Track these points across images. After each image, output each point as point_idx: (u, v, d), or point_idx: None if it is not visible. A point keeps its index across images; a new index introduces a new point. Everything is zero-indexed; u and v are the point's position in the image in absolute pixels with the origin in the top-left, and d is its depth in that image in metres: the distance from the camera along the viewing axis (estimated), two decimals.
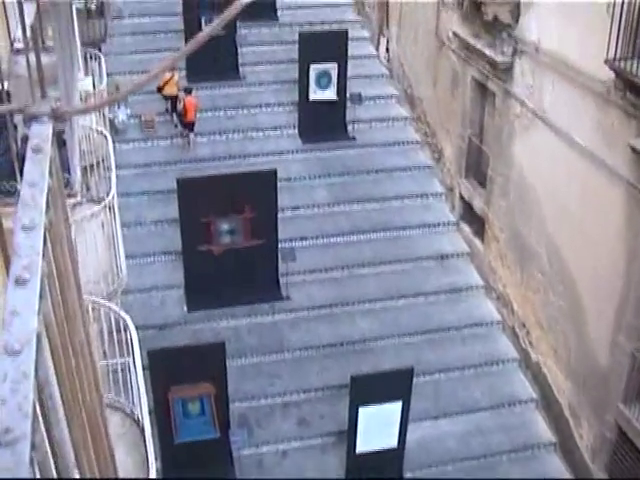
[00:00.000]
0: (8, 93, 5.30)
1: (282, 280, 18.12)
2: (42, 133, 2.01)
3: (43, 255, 1.73)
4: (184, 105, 20.87)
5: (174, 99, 21.65)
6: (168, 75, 21.54)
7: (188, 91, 21.01)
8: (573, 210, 14.44)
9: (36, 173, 1.86)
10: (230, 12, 1.95)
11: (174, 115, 21.82)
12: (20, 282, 1.61)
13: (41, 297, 1.65)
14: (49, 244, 1.87)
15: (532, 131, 15.76)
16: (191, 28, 22.82)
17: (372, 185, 20.97)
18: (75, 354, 2.24)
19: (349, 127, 22.17)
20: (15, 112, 3.18)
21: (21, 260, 1.67)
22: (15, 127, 5.40)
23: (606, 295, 13.53)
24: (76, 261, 2.42)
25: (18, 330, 1.54)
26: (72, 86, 5.59)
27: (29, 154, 1.88)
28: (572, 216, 14.49)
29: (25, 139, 5.02)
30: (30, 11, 7.98)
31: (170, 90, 21.55)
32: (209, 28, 2.04)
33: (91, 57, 16.23)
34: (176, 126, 21.82)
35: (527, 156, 16.13)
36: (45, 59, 6.82)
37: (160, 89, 21.58)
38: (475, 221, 19.12)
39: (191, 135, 21.47)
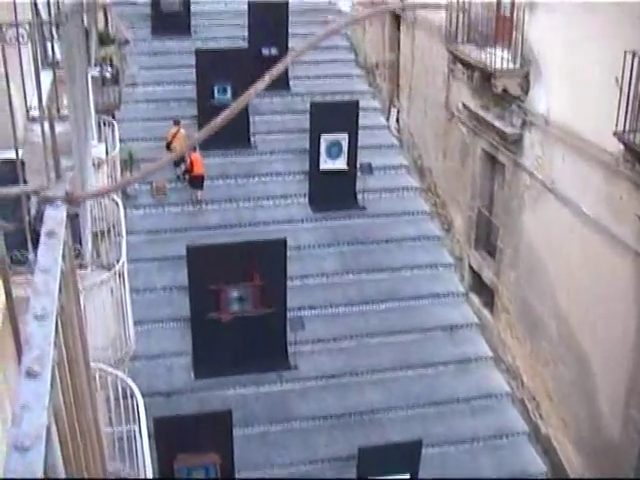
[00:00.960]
0: (23, 162, 5.34)
1: (290, 349, 18.05)
2: (56, 217, 2.02)
3: (54, 343, 1.72)
4: (190, 161, 21.15)
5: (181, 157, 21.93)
6: (175, 129, 21.88)
7: (193, 148, 21.22)
8: (582, 281, 14.39)
9: (49, 259, 1.87)
10: (245, 98, 1.97)
11: (179, 169, 22.14)
12: (32, 374, 1.60)
13: (52, 387, 1.64)
14: (60, 330, 1.86)
15: (541, 202, 15.80)
16: (204, 96, 23.20)
17: (382, 255, 20.99)
18: (82, 433, 2.22)
19: (359, 197, 22.28)
20: (30, 194, 3.21)
21: (32, 351, 1.66)
22: (28, 197, 5.44)
23: (617, 367, 13.41)
24: (86, 340, 2.41)
25: (28, 425, 1.52)
26: (86, 157, 5.65)
27: (43, 239, 1.89)
28: (581, 287, 14.44)
29: (38, 212, 5.06)
30: (47, 79, 8.09)
31: (177, 144, 21.80)
32: (224, 114, 2.06)
33: (105, 124, 16.40)
34: (184, 178, 22.07)
35: (536, 227, 16.14)
36: (60, 128, 6.90)
37: (168, 144, 21.91)
38: (484, 292, 19.07)
39: (198, 192, 21.71)
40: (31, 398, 1.55)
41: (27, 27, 4.65)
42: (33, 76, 5.65)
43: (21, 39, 4.59)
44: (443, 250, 21.35)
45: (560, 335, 15.38)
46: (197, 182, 21.71)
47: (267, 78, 2.08)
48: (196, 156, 21.31)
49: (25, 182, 5.26)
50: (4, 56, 4.71)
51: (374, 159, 22.94)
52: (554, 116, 15.01)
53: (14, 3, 6.77)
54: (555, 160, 15.08)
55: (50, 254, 1.89)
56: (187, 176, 21.88)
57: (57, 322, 1.78)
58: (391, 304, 19.76)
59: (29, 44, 4.65)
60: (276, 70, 2.09)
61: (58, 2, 8.66)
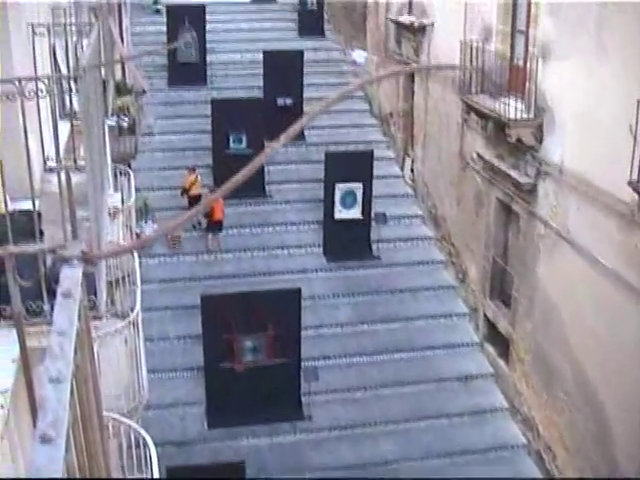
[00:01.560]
0: (39, 214, 5.38)
1: (304, 399, 17.93)
2: (72, 276, 2.03)
3: (69, 405, 1.72)
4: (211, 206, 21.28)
5: (197, 199, 22.08)
6: (193, 177, 22.09)
7: (211, 189, 21.52)
8: (598, 331, 14.30)
9: (65, 320, 1.87)
10: (261, 157, 1.99)
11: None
12: (46, 439, 1.60)
13: (66, 450, 1.64)
14: (75, 391, 1.86)
15: (556, 252, 15.76)
16: (219, 146, 23.38)
17: (396, 305, 20.93)
18: None
19: (374, 246, 22.29)
20: (47, 253, 3.23)
21: (47, 416, 1.65)
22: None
23: (635, 417, 13.27)
24: (100, 395, 2.41)
25: None
26: (102, 208, 5.69)
27: (59, 299, 1.89)
28: (597, 337, 14.34)
29: (54, 263, 5.08)
30: (64, 130, 8.17)
31: (196, 191, 21.99)
32: (241, 173, 2.08)
33: (121, 173, 16.50)
34: (199, 224, 22.17)
35: (552, 277, 16.09)
36: (77, 178, 6.97)
37: (186, 191, 22.09)
38: (500, 342, 18.95)
39: (218, 237, 21.80)
40: (45, 462, 1.55)
41: (46, 81, 4.71)
42: (51, 127, 5.72)
43: (40, 93, 4.65)
44: (458, 300, 21.28)
45: (576, 384, 15.25)
46: (216, 227, 21.82)
47: (282, 139, 2.10)
48: (218, 202, 21.44)
49: (42, 233, 5.29)
50: (23, 109, 4.76)
51: (389, 209, 23.01)
52: (568, 165, 15.02)
53: (34, 58, 6.88)
54: (570, 209, 15.07)
55: (66, 315, 1.89)
56: (206, 221, 21.97)
57: (72, 383, 1.78)
58: (405, 354, 19.66)
59: (47, 97, 4.71)
60: (292, 130, 2.11)
61: (77, 56, 8.79)
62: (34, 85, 4.65)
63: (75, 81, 4.86)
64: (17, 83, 4.61)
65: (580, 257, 14.70)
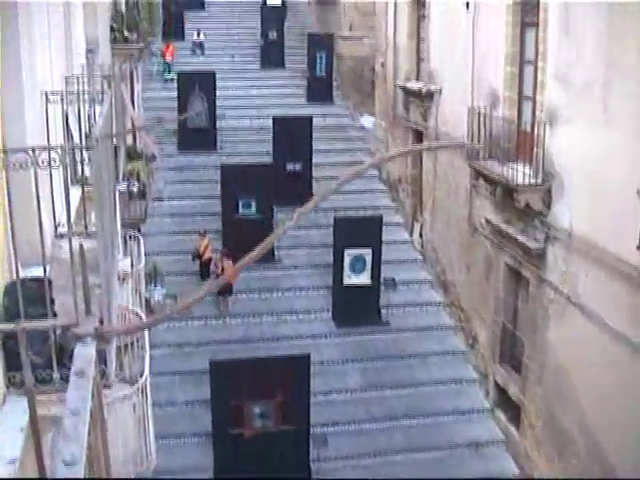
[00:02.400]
0: (50, 282, 5.40)
1: (313, 466, 17.72)
2: (86, 355, 2.03)
3: None
4: (222, 268, 21.29)
5: (208, 262, 22.29)
6: (205, 241, 22.22)
7: (224, 253, 21.62)
8: (610, 395, 14.17)
9: (79, 400, 1.87)
10: (276, 234, 2.01)
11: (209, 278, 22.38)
12: None
13: None
14: (87, 470, 1.85)
15: (566, 316, 15.69)
16: (229, 211, 23.51)
17: (405, 370, 20.81)
18: None
19: (383, 312, 22.24)
20: (60, 328, 3.24)
21: None
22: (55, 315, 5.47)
23: None
24: (110, 465, 2.40)
25: None
26: (112, 274, 5.72)
27: (72, 378, 1.90)
28: (609, 402, 14.21)
29: (63, 332, 5.09)
30: (75, 195, 8.24)
31: (207, 255, 22.22)
32: (255, 252, 2.10)
33: (130, 237, 16.56)
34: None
35: (562, 342, 16.00)
36: (87, 244, 7.01)
37: (200, 256, 22.20)
38: (510, 408, 18.78)
39: (228, 300, 21.82)
40: None
41: (59, 151, 4.77)
42: (62, 194, 5.77)
43: (53, 162, 4.71)
44: (467, 365, 21.15)
45: (588, 450, 15.07)
46: (226, 290, 21.85)
47: (296, 217, 2.13)
48: (230, 264, 21.57)
49: (52, 301, 5.31)
50: (36, 178, 4.81)
51: (398, 274, 23.03)
52: (577, 230, 15.04)
53: (47, 125, 6.97)
54: (579, 274, 15.04)
55: (79, 394, 1.89)
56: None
57: (85, 464, 1.77)
58: (415, 421, 19.49)
59: (60, 167, 4.77)
60: (305, 209, 2.14)
61: (89, 124, 8.90)
62: (47, 154, 4.71)
63: (87, 150, 4.93)
64: (30, 152, 4.67)
65: (590, 321, 14.64)
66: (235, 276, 21.64)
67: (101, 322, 4.03)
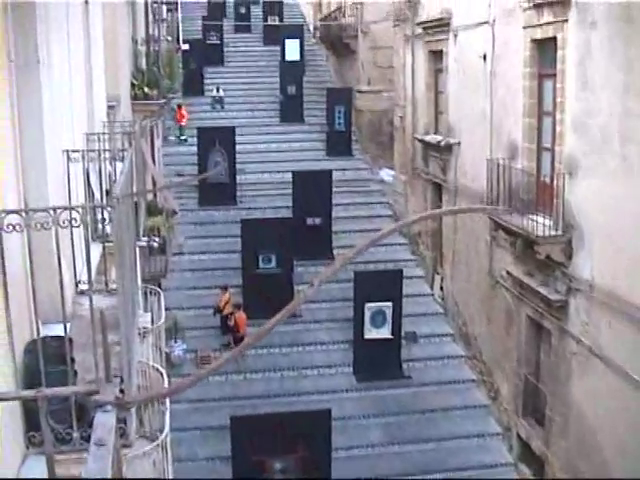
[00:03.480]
0: (70, 340, 5.41)
1: None
2: (106, 424, 2.01)
3: None
4: (235, 320, 21.68)
5: (227, 316, 22.38)
6: (226, 296, 22.27)
7: (238, 307, 22.10)
8: (634, 448, 13.96)
9: (99, 471, 1.85)
10: (295, 303, 2.00)
11: (227, 337, 22.56)
12: None
13: None
14: None
15: (589, 369, 15.53)
16: (249, 266, 23.57)
17: (427, 425, 20.62)
18: None
19: (404, 365, 22.11)
20: (80, 395, 3.24)
21: None
22: (75, 373, 5.45)
23: None
24: None
25: None
26: (132, 331, 5.72)
27: (92, 448, 1.88)
28: (633, 454, 14.00)
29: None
30: (96, 252, 8.28)
31: (228, 310, 22.42)
32: (276, 318, 2.09)
33: (151, 293, 16.58)
34: (229, 344, 22.15)
35: (585, 394, 15.81)
36: (108, 301, 7.02)
37: (221, 310, 22.24)
38: (534, 462, 18.52)
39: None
40: None
41: (80, 210, 4.80)
42: (83, 251, 5.79)
43: (74, 222, 4.73)
44: (490, 419, 20.92)
45: None
46: (239, 342, 21.89)
47: (316, 285, 2.12)
48: (241, 316, 21.70)
49: (73, 360, 5.31)
50: (57, 237, 4.84)
51: (419, 327, 22.95)
52: (599, 281, 14.94)
53: (68, 184, 7.03)
54: (601, 325, 14.92)
55: (98, 467, 1.87)
56: (234, 335, 22.11)
57: None
58: (438, 476, 19.22)
59: (81, 226, 4.80)
60: (323, 277, 2.13)
61: (110, 182, 8.97)
62: (68, 214, 4.74)
63: (108, 209, 4.96)
64: (52, 212, 4.70)
65: (613, 373, 14.48)
66: (244, 325, 21.80)
67: (122, 388, 4.01)
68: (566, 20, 15.60)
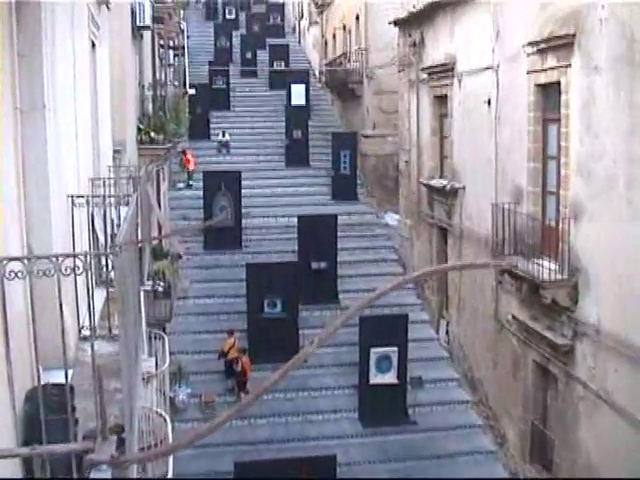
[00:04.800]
0: (72, 388, 5.36)
1: None
2: None
3: None
4: (242, 365, 21.75)
5: (232, 361, 22.36)
6: (231, 340, 22.22)
7: (243, 351, 22.12)
8: None
9: None
10: (292, 363, 1.98)
11: (231, 381, 22.57)
12: None
13: None
14: None
15: (597, 414, 15.39)
16: (254, 310, 23.55)
17: (434, 470, 20.37)
18: None
19: (410, 411, 21.94)
20: (76, 453, 3.20)
21: None
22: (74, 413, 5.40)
23: None
24: None
25: None
26: (135, 378, 5.67)
27: None
28: None
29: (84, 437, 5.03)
30: (100, 297, 8.25)
31: (233, 354, 22.38)
32: (280, 371, 2.06)
33: (155, 337, 16.53)
34: (233, 389, 22.13)
35: (593, 439, 15.65)
36: (110, 348, 7.00)
37: (226, 354, 22.16)
38: None
39: (242, 395, 21.78)
40: None
41: (83, 258, 4.78)
42: (86, 297, 5.77)
43: (77, 269, 4.72)
44: (497, 465, 20.70)
45: None
46: (243, 387, 21.90)
47: (316, 342, 2.10)
48: (246, 361, 21.68)
49: (74, 409, 5.26)
50: (59, 285, 4.81)
51: (424, 372, 22.81)
52: (605, 326, 14.85)
53: (72, 229, 7.02)
54: (608, 370, 14.81)
55: None
56: (239, 379, 22.04)
57: None
58: None
59: (84, 275, 4.78)
60: (325, 335, 2.11)
61: (115, 229, 8.96)
62: (71, 261, 4.72)
63: (112, 256, 4.94)
64: (54, 259, 4.68)
65: (621, 419, 14.34)
66: (249, 368, 21.76)
67: (121, 438, 3.97)
68: (570, 65, 15.68)
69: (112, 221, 9.77)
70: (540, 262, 16.37)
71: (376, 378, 21.54)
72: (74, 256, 4.75)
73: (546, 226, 17.10)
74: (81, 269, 4.72)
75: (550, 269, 16.03)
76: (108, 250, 6.93)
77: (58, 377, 5.88)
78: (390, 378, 21.55)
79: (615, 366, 14.56)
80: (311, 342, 2.20)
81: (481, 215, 20.46)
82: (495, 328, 20.48)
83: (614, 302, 14.57)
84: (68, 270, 4.69)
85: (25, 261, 4.73)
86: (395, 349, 21.43)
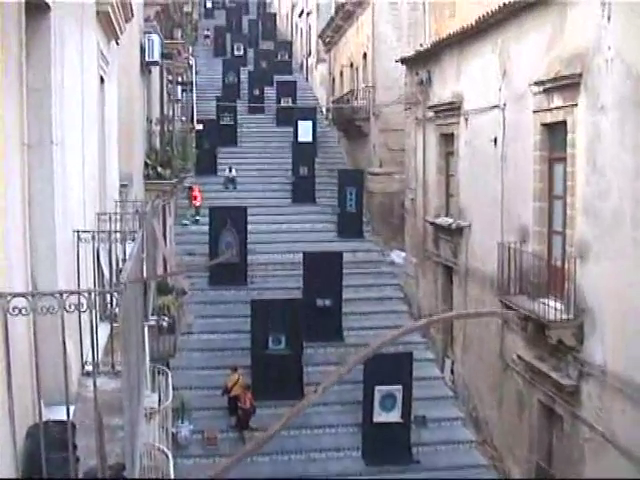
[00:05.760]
0: (74, 425, 5.32)
1: None
2: None
3: None
4: (245, 401, 21.94)
5: (235, 397, 22.30)
6: (235, 376, 22.16)
7: (247, 388, 22.13)
8: None
9: None
10: (296, 410, 1.96)
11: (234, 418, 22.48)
12: None
13: None
14: None
15: (603, 455, 15.26)
16: (258, 346, 23.50)
17: None
18: None
19: (414, 450, 21.78)
20: None
21: None
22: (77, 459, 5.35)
23: None
24: None
25: None
26: (137, 414, 5.64)
27: None
28: None
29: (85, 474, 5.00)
30: (104, 332, 8.22)
31: (237, 391, 22.28)
32: (279, 424, 2.05)
33: (159, 372, 16.48)
34: (235, 425, 22.21)
35: None
36: (113, 384, 6.95)
37: (229, 390, 22.27)
38: None
39: (245, 433, 21.80)
40: None
41: (87, 295, 4.77)
42: (89, 332, 5.75)
43: (81, 306, 4.71)
44: None
45: None
46: (245, 423, 21.84)
47: (320, 390, 2.08)
48: (250, 398, 21.66)
49: (75, 446, 5.22)
50: (62, 322, 4.80)
51: (429, 411, 22.69)
52: (611, 366, 14.78)
53: (77, 267, 7.01)
54: (615, 411, 14.71)
55: None
56: (241, 413, 22.01)
57: None
58: None
59: (88, 312, 4.77)
60: (329, 383, 2.09)
61: (120, 264, 8.96)
62: (76, 298, 4.71)
63: (116, 294, 4.94)
64: (58, 296, 4.67)
65: (627, 461, 14.21)
66: (250, 400, 21.73)
67: None
68: (576, 104, 15.74)
69: (117, 256, 9.77)
70: (546, 301, 16.34)
71: (380, 416, 21.41)
72: (79, 293, 4.74)
73: (552, 265, 17.08)
74: (85, 306, 4.70)
75: (556, 309, 15.98)
76: (113, 288, 6.93)
77: (60, 413, 5.84)
78: (394, 417, 21.42)
79: (621, 407, 14.46)
80: (315, 390, 2.17)
81: (487, 254, 20.44)
82: (500, 367, 20.39)
83: (620, 342, 14.49)
84: (72, 307, 4.68)
85: (29, 297, 4.71)
86: (399, 387, 21.32)
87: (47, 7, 6.70)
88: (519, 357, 18.69)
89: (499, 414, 20.86)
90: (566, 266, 16.10)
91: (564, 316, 15.97)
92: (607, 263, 14.87)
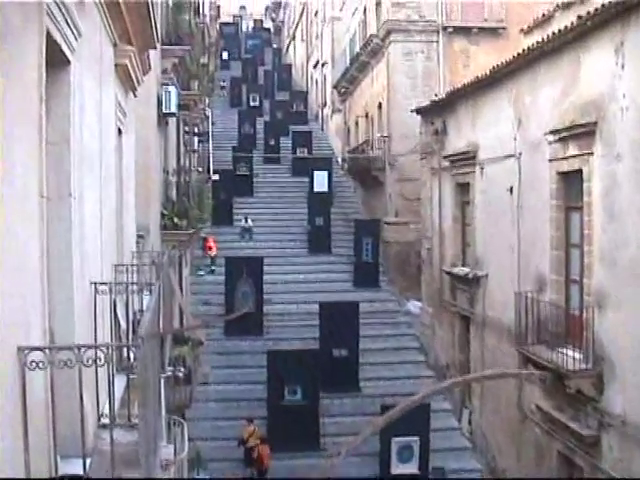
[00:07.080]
0: None
1: None
2: None
3: None
4: (259, 453, 21.68)
5: (251, 449, 22.17)
6: (251, 428, 21.98)
7: (263, 440, 21.97)
8: None
9: None
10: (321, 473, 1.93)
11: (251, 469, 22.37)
12: None
13: None
14: None
15: None
16: (274, 397, 23.44)
17: None
18: None
19: None
20: None
21: None
22: None
23: None
24: None
25: None
26: (153, 470, 5.60)
27: None
28: None
29: None
30: (120, 383, 8.19)
31: (253, 442, 22.11)
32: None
33: (174, 423, 16.38)
34: (252, 477, 22.17)
35: None
36: (129, 436, 6.90)
37: (244, 442, 22.15)
38: None
39: None
40: None
41: (104, 349, 4.77)
42: (106, 385, 5.72)
43: (98, 361, 4.70)
44: None
45: None
46: (262, 475, 21.71)
47: (343, 452, 2.06)
48: (265, 449, 21.45)
49: None
50: (80, 376, 4.80)
51: (447, 462, 22.48)
52: (631, 416, 14.61)
53: (94, 319, 7.02)
54: (635, 462, 14.51)
55: None
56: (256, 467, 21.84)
57: None
58: None
59: (106, 365, 4.76)
60: (351, 446, 2.07)
61: (137, 315, 8.96)
62: (93, 352, 4.71)
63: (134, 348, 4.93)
64: (76, 350, 4.67)
65: None
66: (267, 458, 21.56)
67: None
68: (591, 153, 15.75)
69: (134, 308, 9.77)
70: (564, 351, 16.21)
71: (397, 468, 21.21)
72: (96, 347, 4.74)
73: (570, 314, 16.97)
74: (103, 360, 4.70)
75: (574, 358, 15.86)
76: (130, 341, 6.92)
77: (76, 466, 5.80)
78: (412, 468, 21.21)
79: None
80: (338, 453, 2.15)
81: (504, 303, 20.34)
82: (519, 418, 20.19)
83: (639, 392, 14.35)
84: (90, 361, 4.67)
85: (47, 351, 4.71)
86: (417, 439, 21.14)
87: (67, 62, 6.77)
88: (538, 407, 18.52)
89: (518, 465, 20.61)
90: (584, 315, 16.00)
91: (583, 366, 15.84)
92: (625, 311, 14.77)
